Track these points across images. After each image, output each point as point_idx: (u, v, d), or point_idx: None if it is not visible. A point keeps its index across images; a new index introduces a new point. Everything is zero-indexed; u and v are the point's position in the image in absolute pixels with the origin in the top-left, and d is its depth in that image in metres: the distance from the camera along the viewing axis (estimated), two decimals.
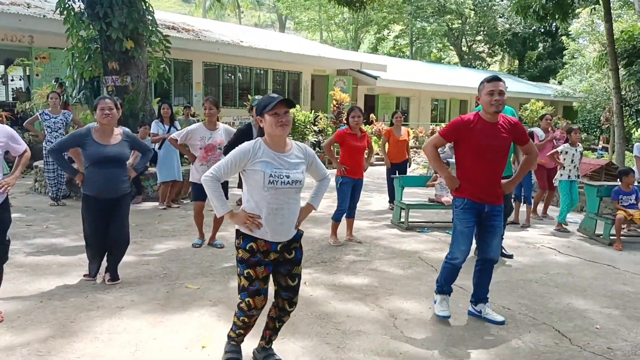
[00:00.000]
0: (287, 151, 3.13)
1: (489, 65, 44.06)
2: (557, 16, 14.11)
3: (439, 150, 4.51)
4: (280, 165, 3.05)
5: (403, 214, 7.56)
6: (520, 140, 4.16)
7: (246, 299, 3.09)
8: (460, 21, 39.67)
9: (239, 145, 3.10)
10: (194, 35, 16.52)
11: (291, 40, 23.17)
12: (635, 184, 7.20)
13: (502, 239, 4.31)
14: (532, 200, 8.14)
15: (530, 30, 39.30)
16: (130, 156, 4.85)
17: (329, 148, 6.57)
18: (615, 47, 13.37)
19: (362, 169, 6.46)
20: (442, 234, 7.17)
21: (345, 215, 6.59)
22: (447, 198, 7.61)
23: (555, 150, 7.79)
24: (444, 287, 4.25)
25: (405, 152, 9.37)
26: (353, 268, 5.51)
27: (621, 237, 6.91)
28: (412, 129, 16.48)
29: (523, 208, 8.12)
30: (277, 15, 42.59)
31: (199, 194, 6.04)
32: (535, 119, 26.17)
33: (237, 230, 3.12)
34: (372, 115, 20.34)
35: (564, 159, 7.66)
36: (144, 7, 10.03)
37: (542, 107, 24.96)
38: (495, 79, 4.01)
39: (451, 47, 43.58)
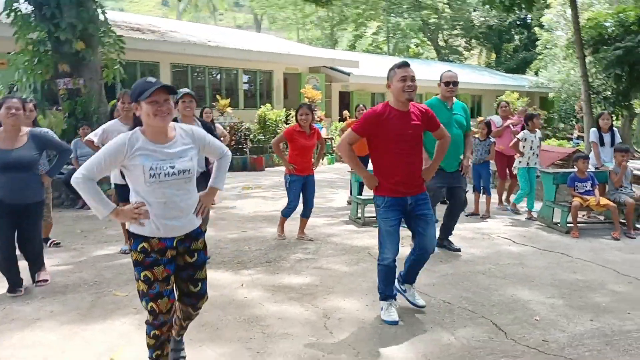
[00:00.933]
0: (170, 140, 2.85)
1: (465, 59, 44.09)
2: (522, 5, 14.05)
3: None
4: (162, 156, 2.78)
5: (360, 209, 7.38)
6: (431, 126, 4.04)
7: (149, 305, 2.84)
8: (436, 16, 39.63)
9: (113, 139, 2.81)
10: (159, 37, 16.23)
11: (262, 40, 22.93)
12: (591, 169, 7.09)
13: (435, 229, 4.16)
14: (491, 191, 7.99)
15: (506, 23, 39.38)
16: (39, 158, 4.54)
17: (277, 146, 6.39)
18: (582, 34, 13.33)
19: (310, 166, 6.27)
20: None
21: (300, 214, 6.42)
22: None
23: (516, 139, 7.65)
24: (386, 291, 4.08)
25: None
26: (297, 267, 5.32)
27: (579, 225, 6.80)
28: None
29: (483, 199, 7.99)
30: (253, 15, 42.30)
31: (122, 195, 5.79)
32: (511, 109, 26.29)
33: (128, 232, 2.90)
34: (345, 112, 20.16)
35: (523, 146, 7.53)
36: (95, 7, 9.75)
37: (518, 99, 25.01)
38: (405, 64, 3.87)
39: (428, 42, 43.55)
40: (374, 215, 7.32)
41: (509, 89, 26.32)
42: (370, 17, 37.27)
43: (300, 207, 6.41)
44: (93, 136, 5.67)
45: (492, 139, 7.87)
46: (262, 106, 16.75)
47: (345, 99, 23.48)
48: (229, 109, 16.07)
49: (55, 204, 8.55)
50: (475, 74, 32.56)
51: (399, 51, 42.83)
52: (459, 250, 5.92)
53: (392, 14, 35.60)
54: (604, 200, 6.68)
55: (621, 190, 6.89)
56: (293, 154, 6.22)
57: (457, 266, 5.37)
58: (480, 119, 17.05)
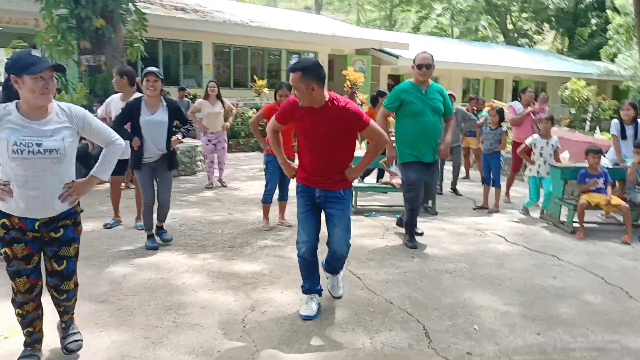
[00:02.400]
0: (45, 117, 2.73)
1: (535, 43, 41.89)
2: None
3: None
4: (31, 133, 2.66)
5: (353, 196, 7.07)
6: (355, 126, 3.63)
7: (10, 283, 2.81)
8: None
9: None
10: (202, 16, 16.31)
11: (308, 20, 22.61)
12: (605, 164, 6.42)
13: (349, 228, 3.82)
14: (501, 184, 7.43)
15: (582, 6, 37.00)
16: None
17: (256, 125, 6.16)
18: None
19: (291, 147, 6.01)
20: (390, 219, 6.65)
21: (277, 198, 6.21)
22: (399, 180, 7.06)
23: (524, 144, 7.03)
24: (305, 284, 3.85)
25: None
26: (258, 254, 5.12)
27: (590, 225, 6.21)
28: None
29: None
30: None
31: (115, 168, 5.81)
32: (577, 98, 24.69)
33: None
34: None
35: (533, 153, 6.91)
36: None
37: (584, 87, 23.49)
38: (290, 69, 3.57)
39: (496, 25, 41.65)
40: (368, 204, 7.04)
41: (576, 76, 24.77)
42: None
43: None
44: (99, 111, 5.83)
45: (504, 128, 7.29)
46: None
47: (394, 82, 22.88)
48: (265, 90, 15.97)
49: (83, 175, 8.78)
50: (540, 59, 30.86)
51: (464, 34, 41.29)
52: (421, 233, 5.69)
53: None
54: (615, 200, 6.02)
55: (638, 189, 6.20)
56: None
57: (427, 263, 4.99)
58: (490, 103, 15.90)
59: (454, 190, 8.57)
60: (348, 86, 17.73)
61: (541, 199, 7.08)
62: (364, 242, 5.58)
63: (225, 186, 8.70)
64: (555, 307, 4.02)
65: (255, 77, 16.47)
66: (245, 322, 3.61)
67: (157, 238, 5.35)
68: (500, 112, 7.30)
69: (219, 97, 8.43)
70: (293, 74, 3.46)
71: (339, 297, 4.02)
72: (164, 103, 5.21)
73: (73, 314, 3.20)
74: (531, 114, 7.82)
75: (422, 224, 6.36)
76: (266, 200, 6.13)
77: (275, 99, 5.97)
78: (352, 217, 6.64)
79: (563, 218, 6.48)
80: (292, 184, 7.71)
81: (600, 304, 4.11)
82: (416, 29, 42.91)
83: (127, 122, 5.12)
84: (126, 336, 3.36)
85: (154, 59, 16.20)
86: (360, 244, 5.49)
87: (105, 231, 5.79)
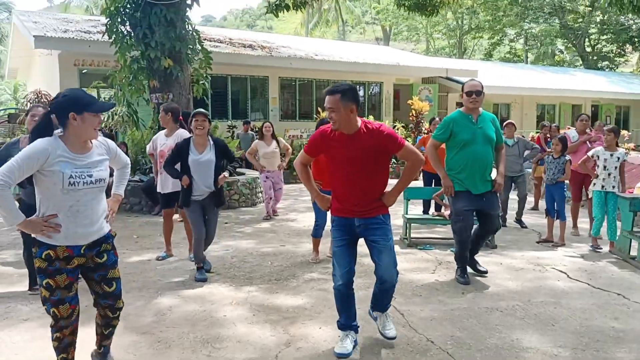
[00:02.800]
0: (88, 150, 2.97)
1: (617, 66, 39.91)
2: None
3: None
4: (81, 165, 2.89)
5: (407, 229, 6.92)
6: (390, 148, 3.58)
7: (51, 310, 2.97)
8: (581, 19, 36.40)
9: (31, 144, 2.84)
10: (267, 52, 16.82)
11: (373, 51, 22.74)
12: None
13: (394, 254, 3.71)
14: (566, 216, 7.03)
15: None
16: None
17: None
18: None
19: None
20: (443, 252, 6.43)
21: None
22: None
23: (585, 156, 6.68)
24: (340, 319, 3.77)
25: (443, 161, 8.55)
26: (302, 287, 5.10)
27: None
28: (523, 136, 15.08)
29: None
30: (381, 28, 42.26)
31: (166, 202, 6.08)
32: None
33: (34, 239, 2.94)
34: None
35: (597, 166, 6.53)
36: (185, 27, 10.35)
37: None
38: (328, 92, 3.54)
39: (574, 48, 40.14)
40: (424, 236, 6.87)
41: None
42: (505, 23, 35.25)
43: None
44: (148, 147, 6.17)
45: (568, 157, 6.94)
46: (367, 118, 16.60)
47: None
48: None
49: (136, 209, 9.22)
50: (621, 82, 29.34)
51: (539, 59, 40.10)
52: (485, 272, 5.33)
53: (526, 20, 33.33)
54: None
55: None
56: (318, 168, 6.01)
57: (477, 300, 4.77)
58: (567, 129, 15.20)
59: (519, 221, 8.21)
60: (413, 115, 17.57)
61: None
62: (412, 277, 5.43)
63: (277, 215, 8.84)
64: (612, 351, 3.71)
65: (319, 108, 16.64)
66: (279, 359, 3.58)
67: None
68: (563, 140, 6.96)
69: (274, 136, 8.70)
70: (332, 96, 3.45)
71: (393, 338, 3.77)
72: (211, 142, 5.37)
73: (111, 340, 3.32)
74: (587, 142, 7.42)
75: (479, 257, 6.12)
76: (316, 234, 6.11)
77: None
78: (404, 251, 6.58)
79: (634, 252, 6.02)
80: (297, 215, 7.64)
81: None
82: (488, 56, 42.14)
83: (177, 162, 5.31)
84: None
85: (224, 95, 16.88)
86: (409, 279, 5.35)
87: (157, 263, 5.97)
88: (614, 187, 6.41)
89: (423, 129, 17.87)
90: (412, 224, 6.90)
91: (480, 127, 5.19)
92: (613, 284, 5.25)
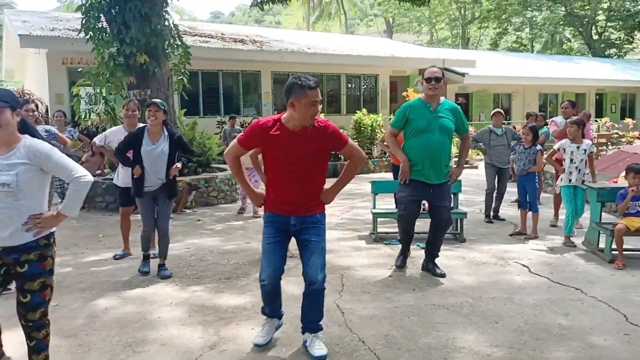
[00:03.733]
0: (8, 152, 2.85)
1: (625, 53, 39.15)
2: None
3: None
4: None
5: (374, 223, 6.75)
6: (335, 145, 3.47)
7: None
8: (588, 7, 35.72)
9: None
10: (259, 47, 16.67)
11: (367, 43, 22.44)
12: None
13: (324, 257, 3.56)
14: (538, 207, 6.80)
15: None
16: None
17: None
18: None
19: None
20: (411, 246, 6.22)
21: None
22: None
23: (552, 149, 6.44)
24: (264, 308, 3.67)
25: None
26: (250, 286, 4.93)
27: (630, 253, 5.50)
28: (513, 127, 14.77)
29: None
30: (384, 20, 41.83)
31: (124, 199, 5.92)
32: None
33: None
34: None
35: (564, 160, 6.29)
36: (162, 22, 10.21)
37: None
38: (316, 85, 3.35)
39: (580, 36, 39.45)
40: (393, 230, 6.65)
41: None
42: (509, 12, 34.71)
43: None
44: (97, 139, 6.01)
45: (538, 147, 6.70)
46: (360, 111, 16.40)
47: (456, 101, 22.19)
48: (321, 115, 15.91)
49: (111, 208, 9.11)
50: (628, 69, 28.77)
51: (547, 47, 39.46)
52: (443, 275, 5.12)
53: (529, 8, 32.76)
54: None
55: None
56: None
57: (426, 297, 4.59)
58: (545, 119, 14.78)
59: (495, 216, 7.98)
60: None
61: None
62: (367, 273, 5.27)
63: (258, 216, 8.68)
64: (549, 350, 3.53)
65: None
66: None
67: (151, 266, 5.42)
68: (533, 129, 6.72)
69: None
70: (317, 90, 3.32)
71: (323, 358, 3.42)
72: (166, 133, 5.26)
73: (46, 356, 3.13)
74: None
75: (445, 251, 5.96)
76: None
77: None
78: (368, 246, 6.42)
79: (602, 245, 5.80)
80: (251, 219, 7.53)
81: (607, 348, 3.55)
82: (494, 46, 41.59)
83: (129, 150, 5.22)
84: None
85: (215, 90, 16.77)
86: (363, 275, 5.19)
87: (113, 262, 5.86)
88: (583, 181, 6.17)
89: None
90: (378, 219, 6.71)
91: (438, 116, 4.99)
92: (574, 277, 5.05)
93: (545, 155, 6.62)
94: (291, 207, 3.46)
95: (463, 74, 20.37)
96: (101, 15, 10.03)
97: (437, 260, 5.32)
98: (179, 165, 5.37)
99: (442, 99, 5.12)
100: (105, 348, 3.66)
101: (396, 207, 5.56)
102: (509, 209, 8.47)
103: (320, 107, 3.36)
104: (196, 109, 16.05)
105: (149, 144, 5.20)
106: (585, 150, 6.18)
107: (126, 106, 6.02)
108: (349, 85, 19.41)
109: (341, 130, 3.57)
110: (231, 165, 3.63)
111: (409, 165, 5.03)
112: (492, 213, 7.92)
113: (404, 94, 17.56)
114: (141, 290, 4.89)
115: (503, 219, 7.87)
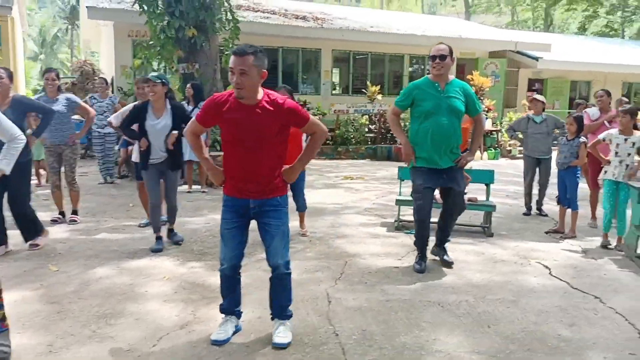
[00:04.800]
0: None
1: None
2: None
3: None
4: None
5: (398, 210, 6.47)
6: (294, 122, 3.27)
7: None
8: None
9: None
10: (319, 24, 16.42)
11: (434, 22, 21.57)
12: None
13: (288, 242, 3.38)
14: (578, 205, 6.25)
15: None
16: (20, 120, 4.85)
17: None
18: None
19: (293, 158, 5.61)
20: (467, 240, 5.82)
21: (295, 208, 5.89)
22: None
23: (596, 139, 5.87)
24: (223, 303, 3.53)
25: (465, 142, 7.82)
26: (249, 267, 4.74)
27: None
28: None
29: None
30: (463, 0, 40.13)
31: (140, 173, 5.98)
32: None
33: None
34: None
35: (610, 152, 5.72)
36: None
37: None
38: (238, 52, 3.10)
39: None
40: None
41: None
42: None
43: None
44: (113, 118, 6.02)
45: (582, 139, 6.13)
46: None
47: (532, 87, 21.02)
48: (379, 96, 15.54)
49: None
50: None
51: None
52: (451, 264, 4.88)
53: None
54: None
55: None
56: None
57: (425, 292, 4.31)
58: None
59: (539, 210, 7.45)
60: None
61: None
62: (372, 262, 5.04)
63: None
64: None
65: (368, 83, 16.07)
66: (160, 341, 3.39)
67: (164, 240, 5.41)
68: (578, 120, 6.14)
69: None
70: (243, 57, 3.06)
71: (281, 346, 3.27)
72: (169, 107, 5.24)
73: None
74: (605, 122, 6.54)
75: (467, 245, 5.64)
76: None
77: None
78: (387, 234, 6.15)
79: None
80: (308, 192, 7.40)
81: None
82: (582, 29, 38.99)
83: (134, 124, 5.26)
84: (34, 341, 3.32)
85: (274, 66, 16.73)
86: (367, 264, 4.97)
87: (131, 230, 5.97)
88: (624, 177, 5.59)
89: (483, 106, 16.87)
90: (401, 207, 6.42)
91: (446, 96, 4.66)
92: (598, 284, 4.58)
93: (589, 145, 6.03)
94: (248, 187, 3.27)
95: (537, 58, 19.20)
96: None
97: (453, 254, 5.03)
98: (174, 132, 5.31)
99: (451, 77, 4.78)
100: (80, 317, 3.69)
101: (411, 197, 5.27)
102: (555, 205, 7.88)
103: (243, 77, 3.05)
104: None
105: (153, 119, 5.25)
106: (634, 143, 5.58)
107: (136, 84, 6.06)
108: (414, 66, 18.80)
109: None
110: (190, 143, 3.48)
111: (412, 149, 4.74)
112: (533, 207, 7.40)
113: (469, 76, 16.84)
114: (143, 261, 4.92)
115: (546, 215, 7.34)
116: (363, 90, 15.89)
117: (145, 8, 10.36)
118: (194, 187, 8.65)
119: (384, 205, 7.78)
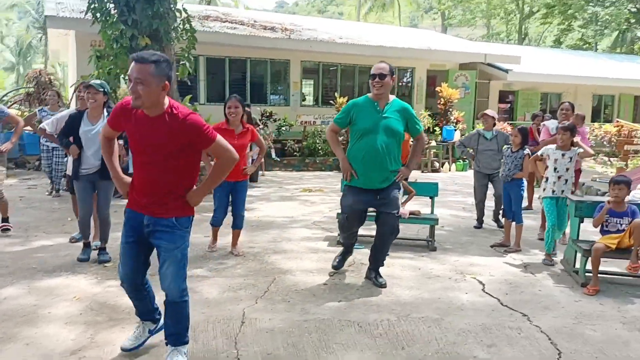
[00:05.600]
0: None
1: None
2: None
3: None
4: None
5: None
6: (196, 142, 3.01)
7: None
8: None
9: None
10: (287, 35, 16.30)
11: (404, 34, 21.58)
12: (636, 198, 4.94)
13: (182, 267, 3.15)
14: (522, 218, 6.12)
15: None
16: None
17: None
18: None
19: (239, 171, 5.43)
20: (407, 254, 5.66)
21: (231, 225, 5.68)
22: (401, 209, 6.11)
23: (535, 154, 5.76)
24: (136, 310, 3.37)
25: (406, 156, 7.64)
26: None
27: (605, 276, 4.82)
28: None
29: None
30: (439, 13, 40.47)
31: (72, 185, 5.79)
32: None
33: None
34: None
35: (547, 167, 5.61)
36: (167, 5, 10.01)
37: None
38: (137, 59, 2.88)
39: None
40: (364, 233, 6.19)
41: None
42: (573, 7, 32.73)
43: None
44: (46, 125, 5.79)
45: (527, 150, 6.02)
46: None
47: (506, 100, 21.14)
48: None
49: None
50: None
51: (617, 46, 37.09)
52: (383, 286, 4.68)
53: (590, 3, 30.72)
54: None
55: None
56: None
57: (347, 311, 4.12)
58: (616, 124, 13.62)
59: (496, 221, 7.31)
60: (441, 104, 16.56)
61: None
62: (302, 278, 4.85)
63: None
64: None
65: (336, 94, 15.95)
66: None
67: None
68: (522, 131, 6.04)
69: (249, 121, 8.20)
70: (143, 64, 2.83)
71: None
72: (106, 114, 5.12)
73: None
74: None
75: (405, 260, 5.48)
76: (213, 223, 5.70)
77: (225, 114, 5.46)
78: (331, 248, 5.94)
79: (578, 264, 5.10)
80: (261, 205, 7.15)
81: None
82: (557, 43, 39.49)
83: (71, 134, 5.17)
84: None
85: (242, 77, 16.57)
86: (296, 281, 4.78)
87: (58, 247, 5.70)
88: (563, 191, 5.48)
89: (452, 117, 16.84)
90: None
91: (384, 116, 4.52)
92: (530, 301, 4.43)
93: (530, 159, 5.92)
94: (143, 201, 3.07)
95: (507, 70, 19.28)
96: None
97: (390, 270, 4.88)
98: (121, 142, 5.21)
99: (391, 97, 4.66)
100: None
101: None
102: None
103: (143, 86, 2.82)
104: (222, 95, 15.91)
105: (87, 125, 5.13)
106: (571, 158, 5.48)
107: (79, 88, 5.87)
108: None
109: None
110: (102, 146, 3.33)
111: (350, 165, 4.59)
112: (487, 220, 7.27)
113: (438, 88, 16.82)
114: (57, 280, 4.67)
115: (502, 227, 7.19)
116: (331, 102, 15.78)
117: (98, 17, 10.14)
118: None
119: (333, 219, 7.58)
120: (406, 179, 6.06)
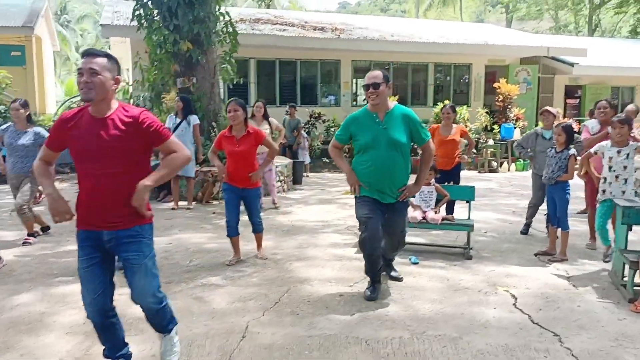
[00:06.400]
0: None
1: None
2: None
3: None
4: None
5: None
6: (150, 140, 2.84)
7: None
8: None
9: None
10: (337, 35, 16.06)
11: (461, 29, 20.75)
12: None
13: (155, 276, 2.96)
14: (568, 224, 5.59)
15: None
16: None
17: (212, 154, 5.49)
18: None
19: (246, 177, 5.24)
20: (401, 260, 5.34)
21: (251, 230, 5.52)
22: (433, 214, 5.76)
23: (587, 152, 5.22)
24: (104, 349, 3.16)
25: (453, 156, 7.20)
26: (182, 294, 4.51)
27: None
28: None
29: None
30: (504, 7, 38.88)
31: None
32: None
33: None
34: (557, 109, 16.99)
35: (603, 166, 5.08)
36: (208, 9, 10.05)
37: None
38: (88, 53, 2.76)
39: None
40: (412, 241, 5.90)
41: None
42: None
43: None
44: None
45: (572, 150, 5.48)
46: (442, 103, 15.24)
47: (574, 95, 19.95)
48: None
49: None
50: None
51: None
52: (400, 279, 4.63)
53: None
54: None
55: None
56: (227, 162, 5.37)
57: (357, 326, 3.83)
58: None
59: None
60: (500, 100, 15.82)
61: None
62: (318, 289, 4.60)
63: (277, 207, 8.28)
64: None
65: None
66: None
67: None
68: (567, 130, 5.50)
69: (265, 117, 8.07)
70: (96, 57, 2.73)
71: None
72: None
73: None
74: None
75: (436, 270, 5.17)
76: (228, 234, 5.42)
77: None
78: (357, 256, 5.65)
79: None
80: (299, 208, 6.90)
81: None
82: (633, 33, 37.04)
83: None
84: None
85: (292, 79, 16.50)
86: (311, 291, 4.54)
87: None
88: (624, 192, 4.94)
89: (511, 114, 16.05)
90: None
91: (384, 128, 4.22)
92: (564, 318, 3.98)
93: (581, 159, 5.41)
94: (98, 218, 2.83)
95: (572, 64, 18.19)
96: (150, 2, 10.10)
97: (417, 280, 4.72)
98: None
99: (392, 105, 4.31)
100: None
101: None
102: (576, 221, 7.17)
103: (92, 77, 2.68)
104: (272, 98, 15.90)
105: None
106: (628, 154, 4.93)
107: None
108: (438, 75, 18.15)
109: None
110: (35, 168, 2.99)
111: (356, 178, 4.32)
112: (540, 225, 6.73)
113: (495, 84, 16.08)
114: (72, 287, 4.61)
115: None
116: None
117: (144, 23, 10.31)
118: (180, 203, 8.44)
119: None
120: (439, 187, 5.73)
